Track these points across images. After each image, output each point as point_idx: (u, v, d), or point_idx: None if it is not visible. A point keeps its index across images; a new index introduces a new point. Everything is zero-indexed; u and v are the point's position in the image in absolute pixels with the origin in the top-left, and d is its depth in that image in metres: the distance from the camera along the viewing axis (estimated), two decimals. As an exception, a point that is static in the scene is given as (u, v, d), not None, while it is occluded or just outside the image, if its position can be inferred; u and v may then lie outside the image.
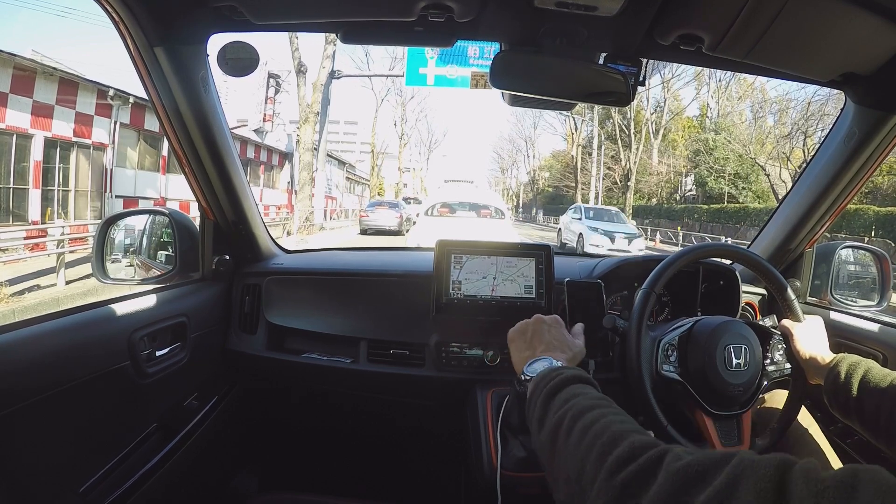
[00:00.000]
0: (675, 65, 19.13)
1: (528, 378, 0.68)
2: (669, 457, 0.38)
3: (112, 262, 1.17)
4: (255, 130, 14.72)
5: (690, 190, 25.65)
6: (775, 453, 0.34)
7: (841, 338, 1.06)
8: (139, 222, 1.35)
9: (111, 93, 9.78)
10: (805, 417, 0.91)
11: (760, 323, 0.93)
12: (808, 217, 1.13)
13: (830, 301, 1.20)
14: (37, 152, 8.57)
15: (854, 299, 1.26)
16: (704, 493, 0.33)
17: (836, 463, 0.85)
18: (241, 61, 0.93)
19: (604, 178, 27.22)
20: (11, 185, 8.19)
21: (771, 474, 0.32)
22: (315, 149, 13.55)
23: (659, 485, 0.36)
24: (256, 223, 1.22)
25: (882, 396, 0.70)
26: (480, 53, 10.28)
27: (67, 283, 6.24)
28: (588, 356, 1.01)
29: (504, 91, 0.93)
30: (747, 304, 1.21)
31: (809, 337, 0.85)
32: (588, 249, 11.21)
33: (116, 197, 10.34)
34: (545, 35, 0.86)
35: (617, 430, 0.45)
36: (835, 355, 0.80)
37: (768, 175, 18.96)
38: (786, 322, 0.88)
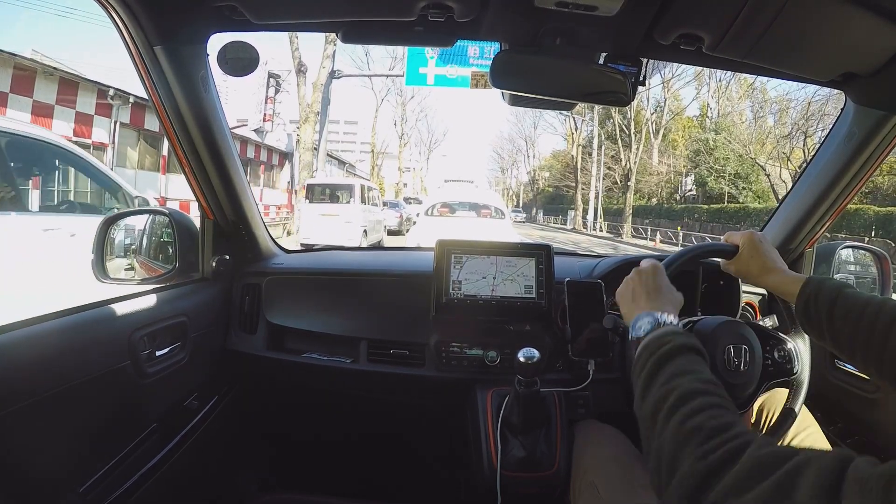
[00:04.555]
0: (675, 65, 19.12)
1: (636, 338, 0.66)
2: (752, 447, 0.42)
3: (112, 262, 1.17)
4: (255, 130, 14.71)
5: (690, 190, 25.64)
6: (840, 449, 0.38)
7: None
8: (139, 222, 1.36)
9: (111, 93, 9.76)
10: (805, 417, 0.91)
11: (760, 323, 0.93)
12: (808, 217, 1.13)
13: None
14: (37, 152, 8.57)
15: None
16: (770, 479, 0.37)
17: None
18: (241, 61, 0.93)
19: (604, 178, 27.19)
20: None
21: (831, 466, 0.35)
22: (315, 149, 13.52)
23: (735, 471, 0.40)
24: (256, 223, 1.22)
25: (856, 322, 0.67)
26: (480, 53, 10.25)
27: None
28: (588, 356, 1.02)
29: (504, 91, 0.93)
30: (747, 304, 1.21)
31: (754, 259, 0.80)
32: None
33: (116, 197, 10.34)
34: (545, 35, 0.86)
35: (716, 424, 0.46)
36: (799, 276, 0.77)
37: (768, 175, 18.94)
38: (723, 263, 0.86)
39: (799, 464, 0.37)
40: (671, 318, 0.66)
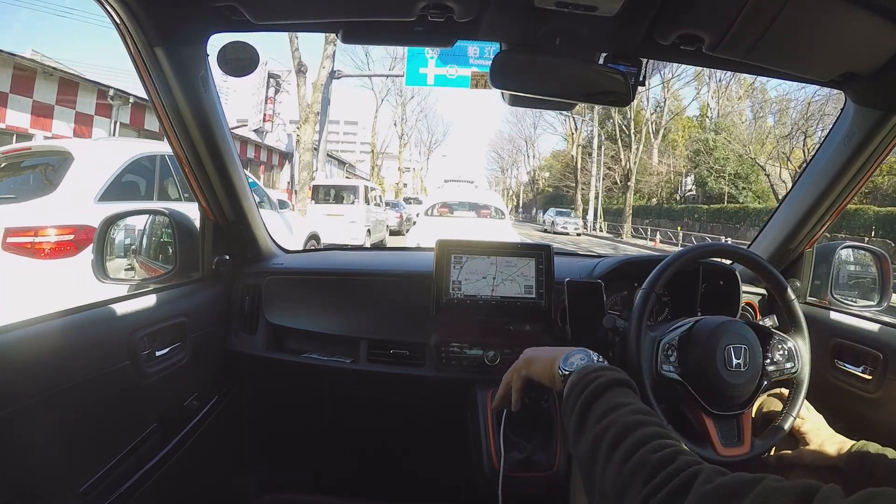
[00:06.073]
0: (675, 65, 19.12)
1: (566, 373, 0.65)
2: (700, 478, 0.41)
3: (112, 262, 1.17)
4: (255, 130, 14.69)
5: (690, 190, 25.63)
6: (801, 480, 0.36)
7: (841, 338, 1.06)
8: (139, 222, 1.35)
9: (111, 93, 9.75)
10: (807, 413, 0.91)
11: (760, 323, 0.92)
12: (808, 217, 1.13)
13: (830, 301, 1.20)
14: (37, 152, 8.56)
15: (854, 299, 1.25)
16: None
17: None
18: (241, 61, 0.93)
19: (604, 178, 27.18)
20: (11, 185, 8.18)
21: (793, 500, 0.34)
22: (315, 149, 13.51)
23: None
24: (256, 223, 1.22)
25: None
26: (480, 53, 10.26)
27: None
28: None
29: (504, 91, 0.93)
30: (747, 304, 1.21)
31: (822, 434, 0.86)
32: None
33: (116, 197, 10.32)
34: (545, 35, 0.86)
35: (660, 458, 0.45)
36: (853, 442, 0.81)
37: (768, 175, 18.94)
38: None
39: (756, 500, 0.35)
40: (596, 356, 0.67)
